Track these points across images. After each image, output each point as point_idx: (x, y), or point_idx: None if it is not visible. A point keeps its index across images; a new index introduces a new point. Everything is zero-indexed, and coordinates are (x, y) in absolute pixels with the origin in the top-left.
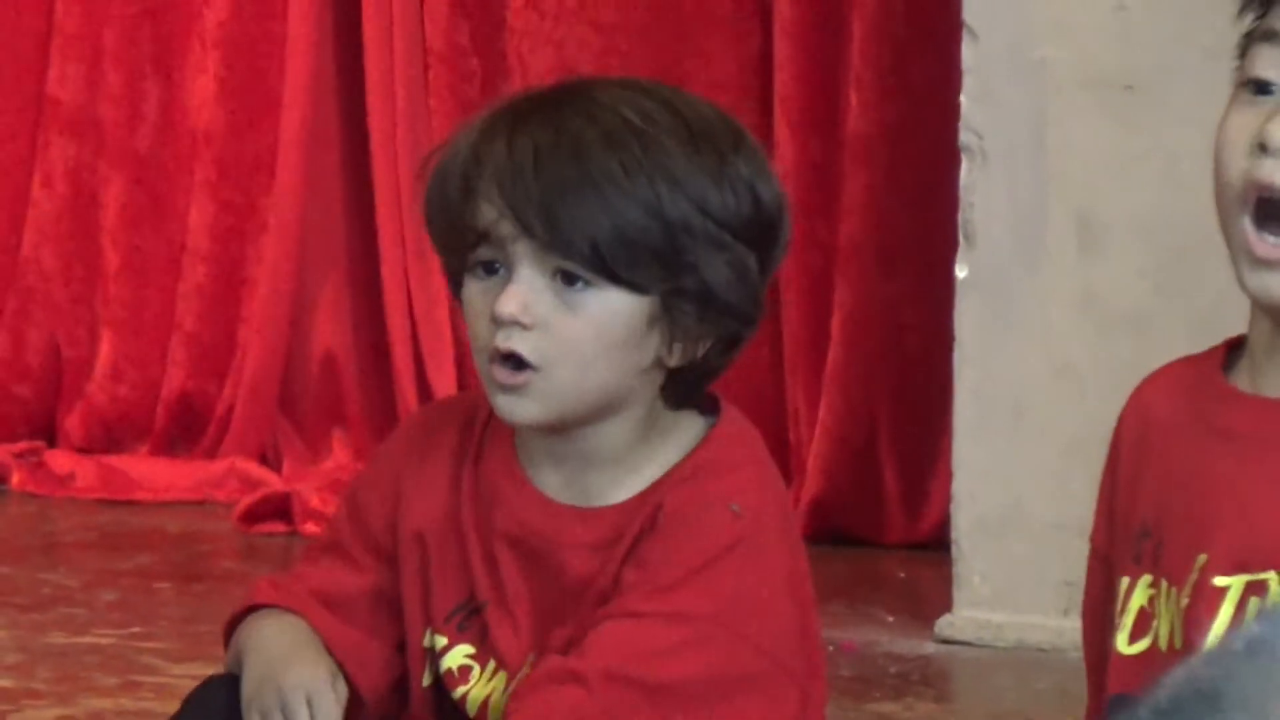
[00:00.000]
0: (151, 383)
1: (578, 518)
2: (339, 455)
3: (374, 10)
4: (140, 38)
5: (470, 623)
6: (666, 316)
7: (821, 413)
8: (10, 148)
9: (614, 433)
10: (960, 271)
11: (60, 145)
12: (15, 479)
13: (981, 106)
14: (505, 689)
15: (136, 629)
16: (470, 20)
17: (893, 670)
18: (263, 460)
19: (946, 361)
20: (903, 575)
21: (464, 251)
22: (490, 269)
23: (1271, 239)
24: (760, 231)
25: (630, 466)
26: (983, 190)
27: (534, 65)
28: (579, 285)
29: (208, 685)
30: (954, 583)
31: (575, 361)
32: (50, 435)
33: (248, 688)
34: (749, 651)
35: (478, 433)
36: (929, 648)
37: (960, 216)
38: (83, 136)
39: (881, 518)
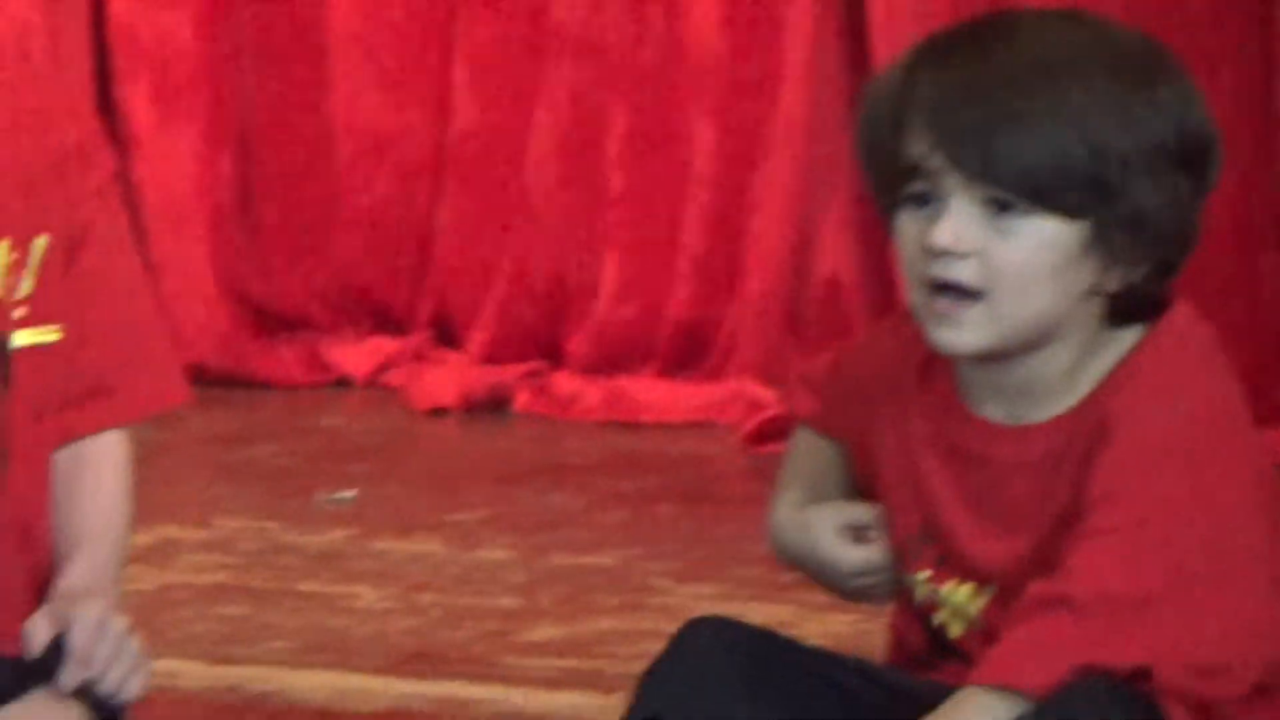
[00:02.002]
0: (656, 305)
1: (1021, 436)
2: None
3: None
4: None
5: (925, 549)
6: (1101, 243)
7: None
8: (513, 72)
9: (1053, 359)
10: None
11: (564, 69)
12: (520, 400)
13: None
14: (972, 599)
15: (641, 549)
16: None
17: None
18: (768, 381)
19: None
20: None
21: (895, 185)
22: (922, 201)
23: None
24: (1189, 157)
25: (1068, 387)
26: None
27: None
28: (1013, 213)
29: (696, 625)
30: None
31: (1014, 287)
32: (555, 357)
33: None
34: (1216, 547)
35: (921, 364)
36: None
37: None
38: (586, 60)
39: None
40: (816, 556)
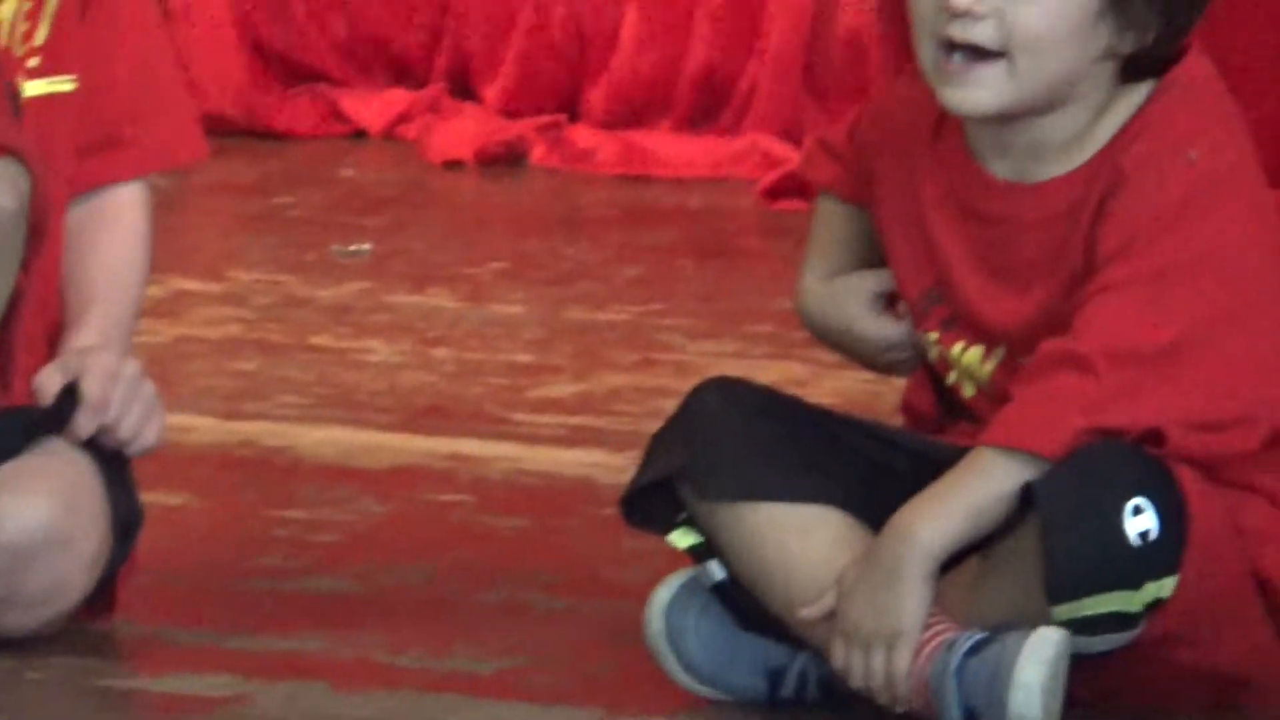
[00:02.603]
0: (675, 58)
1: (1032, 194)
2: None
3: None
4: None
5: (933, 309)
6: (1116, 5)
7: None
8: None
9: (1066, 121)
10: None
11: None
12: (537, 153)
13: None
14: (983, 362)
15: (656, 305)
16: None
17: None
18: (785, 137)
19: None
20: None
21: None
22: None
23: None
24: None
25: (1079, 146)
26: None
27: None
28: None
29: (706, 386)
30: None
31: (1032, 48)
32: (573, 110)
33: None
34: (1231, 293)
35: (933, 123)
36: None
37: None
38: None
39: None
40: (849, 330)
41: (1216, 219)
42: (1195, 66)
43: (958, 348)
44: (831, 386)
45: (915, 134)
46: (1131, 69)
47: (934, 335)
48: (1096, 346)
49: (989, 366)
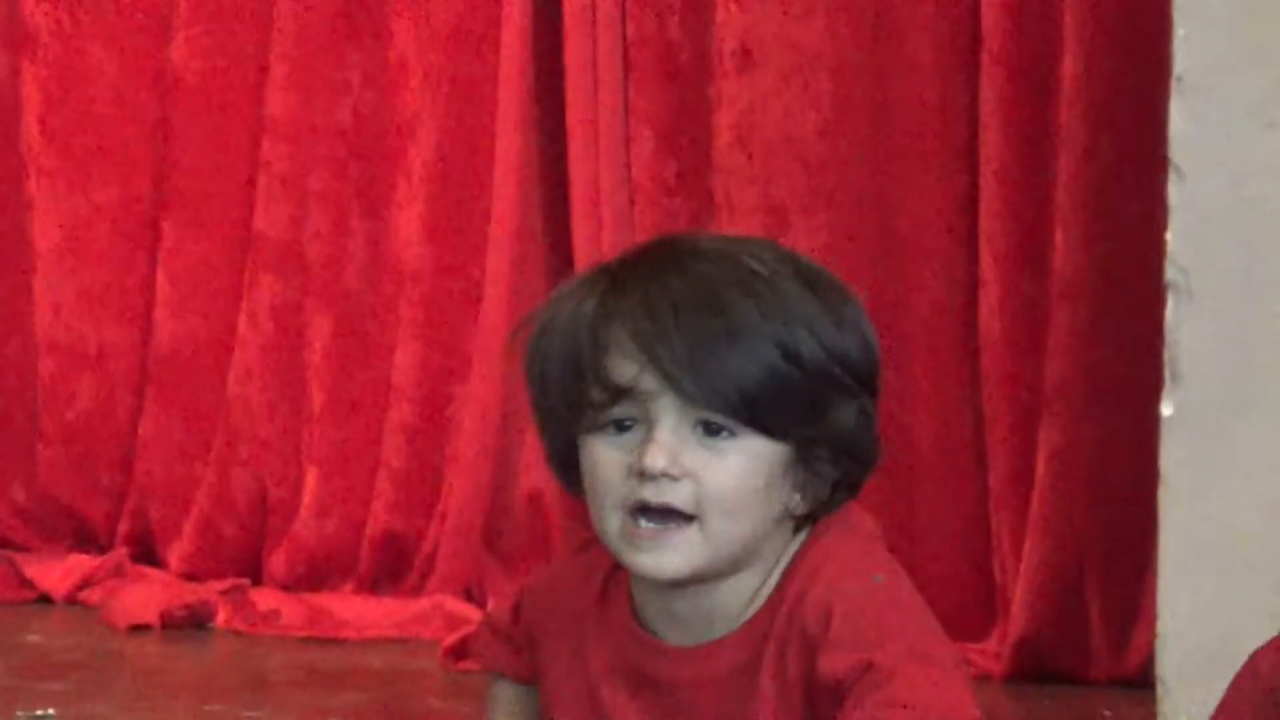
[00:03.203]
0: (357, 520)
1: (704, 656)
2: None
3: (580, 147)
4: (347, 174)
5: None
6: (800, 463)
7: (1026, 550)
8: (216, 285)
9: (742, 587)
10: (1166, 410)
11: (267, 283)
12: (221, 616)
13: (1188, 244)
14: None
15: None
16: (677, 158)
17: None
18: (468, 597)
19: (1153, 500)
20: (1108, 713)
21: (592, 411)
22: (622, 426)
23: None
24: (872, 376)
25: (749, 607)
26: (1189, 328)
27: (741, 203)
28: (723, 435)
29: None
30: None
31: (726, 509)
32: (256, 573)
33: None
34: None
35: (598, 594)
36: None
37: (1166, 354)
38: (288, 274)
39: (1088, 655)
40: None
41: (924, 629)
42: (847, 508)
43: None
44: None
45: (581, 607)
46: (804, 521)
47: None
48: None
49: None
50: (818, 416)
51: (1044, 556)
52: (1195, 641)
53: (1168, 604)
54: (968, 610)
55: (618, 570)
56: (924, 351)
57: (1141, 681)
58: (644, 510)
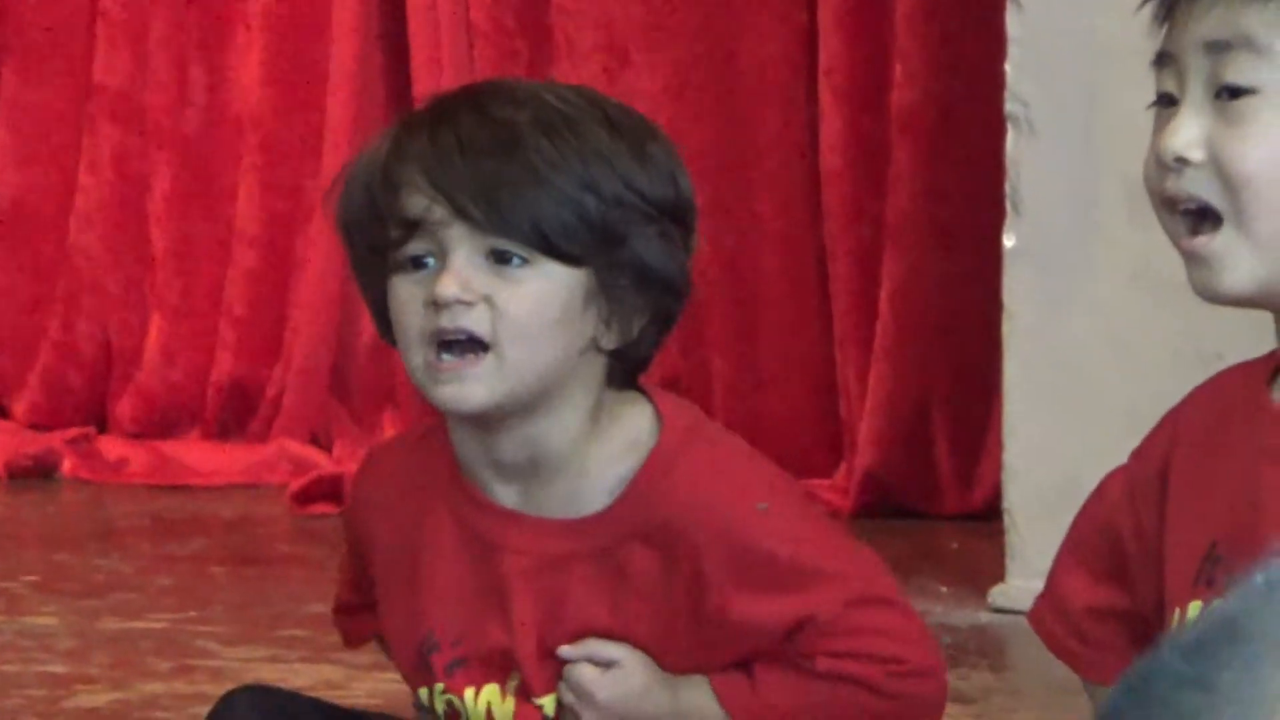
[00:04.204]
0: (202, 368)
1: (555, 531)
2: (390, 436)
3: None
4: (186, 23)
5: (430, 662)
6: (603, 292)
7: (872, 385)
8: (57, 135)
9: (557, 427)
10: (1008, 241)
11: (107, 131)
12: (67, 465)
13: (1028, 76)
14: (503, 697)
15: (191, 613)
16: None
17: (948, 640)
18: (314, 442)
19: (997, 332)
20: (956, 546)
21: (388, 249)
22: (419, 263)
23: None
24: (681, 214)
25: (584, 465)
26: (1029, 161)
27: (580, 44)
28: (515, 262)
29: (230, 700)
30: (1007, 553)
31: (522, 336)
32: (101, 421)
33: None
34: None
35: (420, 460)
36: (983, 617)
37: (1007, 187)
38: (129, 122)
39: (934, 489)
40: None
41: (822, 538)
42: (686, 413)
43: (469, 693)
44: (367, 688)
45: (412, 481)
46: (619, 370)
47: (440, 686)
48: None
49: (507, 709)
50: (616, 243)
51: (889, 391)
52: (1042, 474)
53: (1013, 437)
54: (814, 446)
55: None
56: (766, 189)
57: (989, 515)
58: (443, 344)
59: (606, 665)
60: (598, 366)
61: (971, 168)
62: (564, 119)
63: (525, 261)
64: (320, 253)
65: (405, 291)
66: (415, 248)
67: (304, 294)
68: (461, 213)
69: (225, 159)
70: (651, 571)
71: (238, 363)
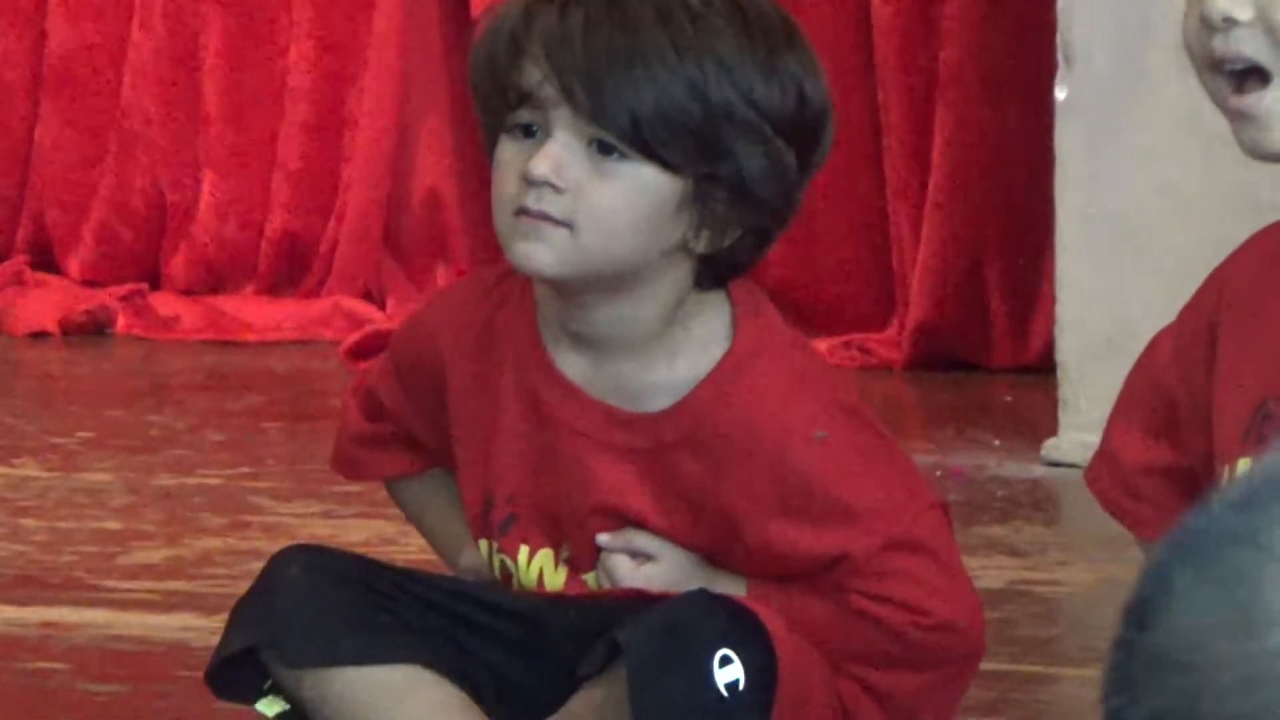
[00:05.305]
0: (255, 223)
1: (612, 420)
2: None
3: None
4: None
5: (489, 517)
6: (698, 201)
7: (925, 238)
8: None
9: (634, 315)
10: (1060, 93)
11: None
12: (121, 322)
13: None
14: (552, 579)
15: (244, 469)
16: None
17: (1000, 494)
18: (367, 297)
19: (1049, 185)
20: (1009, 399)
21: (504, 112)
22: (528, 131)
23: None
24: (803, 131)
25: (653, 358)
26: (1082, 11)
27: None
28: (614, 156)
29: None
30: (1060, 406)
31: (602, 228)
32: (155, 278)
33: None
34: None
35: (501, 315)
36: (1036, 470)
37: (1059, 38)
38: None
39: (987, 342)
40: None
41: (875, 473)
42: (764, 322)
43: (523, 553)
44: (420, 544)
45: (473, 329)
46: (707, 274)
47: (495, 545)
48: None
49: (558, 579)
50: (718, 157)
51: (942, 244)
52: (1095, 325)
53: (1066, 288)
54: (867, 299)
55: (524, 292)
56: (816, 40)
57: (1042, 367)
58: (530, 215)
59: (645, 557)
60: (685, 267)
61: (1024, 19)
62: (692, 17)
63: (624, 157)
64: (372, 107)
65: (507, 155)
66: (525, 116)
67: (357, 149)
68: (568, 94)
69: (277, 12)
70: (698, 481)
71: (291, 217)
